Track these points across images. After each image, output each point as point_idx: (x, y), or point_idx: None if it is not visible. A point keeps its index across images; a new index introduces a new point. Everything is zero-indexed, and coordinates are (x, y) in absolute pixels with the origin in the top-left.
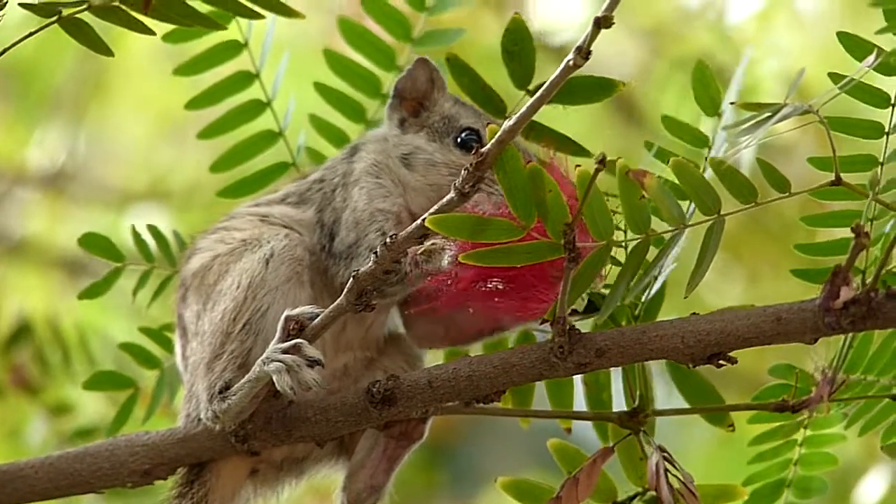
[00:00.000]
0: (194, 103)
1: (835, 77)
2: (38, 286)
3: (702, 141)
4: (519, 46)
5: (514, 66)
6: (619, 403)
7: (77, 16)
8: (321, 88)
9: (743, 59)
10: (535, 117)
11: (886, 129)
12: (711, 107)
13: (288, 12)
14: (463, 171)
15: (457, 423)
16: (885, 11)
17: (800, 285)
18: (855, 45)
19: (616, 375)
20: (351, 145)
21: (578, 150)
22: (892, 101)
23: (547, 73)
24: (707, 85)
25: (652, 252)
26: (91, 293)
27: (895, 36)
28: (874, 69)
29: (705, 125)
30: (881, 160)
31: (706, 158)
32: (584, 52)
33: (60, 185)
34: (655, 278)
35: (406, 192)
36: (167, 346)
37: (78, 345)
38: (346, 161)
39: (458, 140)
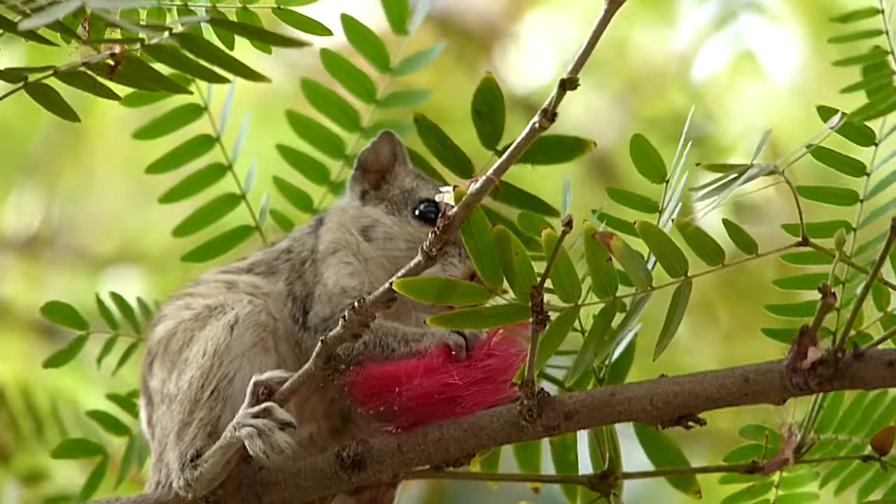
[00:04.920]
0: (155, 168)
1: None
2: (13, 352)
3: (652, 206)
4: (489, 106)
5: (483, 126)
6: (585, 464)
7: (43, 81)
8: (284, 150)
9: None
10: (507, 178)
11: (861, 197)
12: (656, 175)
13: (253, 76)
14: (430, 234)
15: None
16: (863, 68)
17: (775, 344)
18: (829, 115)
19: (582, 436)
20: (317, 217)
21: (547, 209)
22: (868, 171)
23: (516, 132)
24: (648, 155)
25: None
26: (57, 361)
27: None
28: (850, 138)
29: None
30: (854, 226)
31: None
32: (549, 114)
33: (36, 249)
34: (618, 342)
35: (367, 266)
36: (135, 412)
37: (50, 413)
38: (312, 234)
39: (417, 212)
